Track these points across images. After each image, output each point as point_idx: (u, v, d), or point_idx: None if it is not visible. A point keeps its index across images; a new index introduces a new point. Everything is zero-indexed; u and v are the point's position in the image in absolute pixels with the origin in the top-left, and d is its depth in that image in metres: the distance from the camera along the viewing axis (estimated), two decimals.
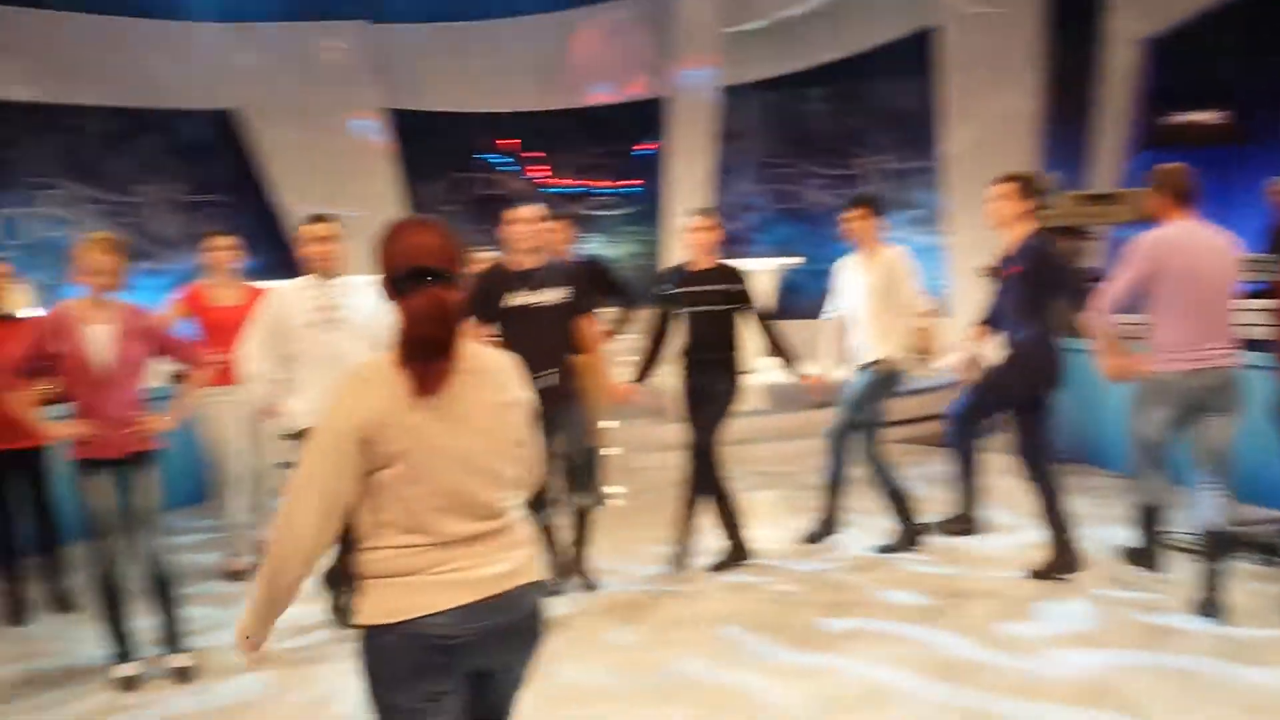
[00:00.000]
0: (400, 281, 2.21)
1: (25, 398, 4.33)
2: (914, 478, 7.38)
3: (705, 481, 5.48)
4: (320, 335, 4.70)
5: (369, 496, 2.20)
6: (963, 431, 5.27)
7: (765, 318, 5.55)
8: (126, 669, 4.39)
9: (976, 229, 5.41)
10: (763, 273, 8.34)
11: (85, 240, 4.32)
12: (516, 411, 2.35)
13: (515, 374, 2.37)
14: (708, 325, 5.43)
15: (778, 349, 5.54)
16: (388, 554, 2.20)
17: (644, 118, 13.92)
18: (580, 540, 5.37)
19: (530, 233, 5.06)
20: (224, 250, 5.82)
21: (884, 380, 5.57)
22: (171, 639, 4.49)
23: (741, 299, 5.47)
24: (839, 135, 13.66)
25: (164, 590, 4.46)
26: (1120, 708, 3.77)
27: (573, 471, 5.31)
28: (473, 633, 2.19)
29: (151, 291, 11.18)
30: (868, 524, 6.19)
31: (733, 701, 3.99)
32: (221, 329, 5.53)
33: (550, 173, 14.42)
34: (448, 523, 2.20)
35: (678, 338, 5.53)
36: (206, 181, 12.67)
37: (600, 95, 14.08)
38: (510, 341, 5.03)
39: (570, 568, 5.37)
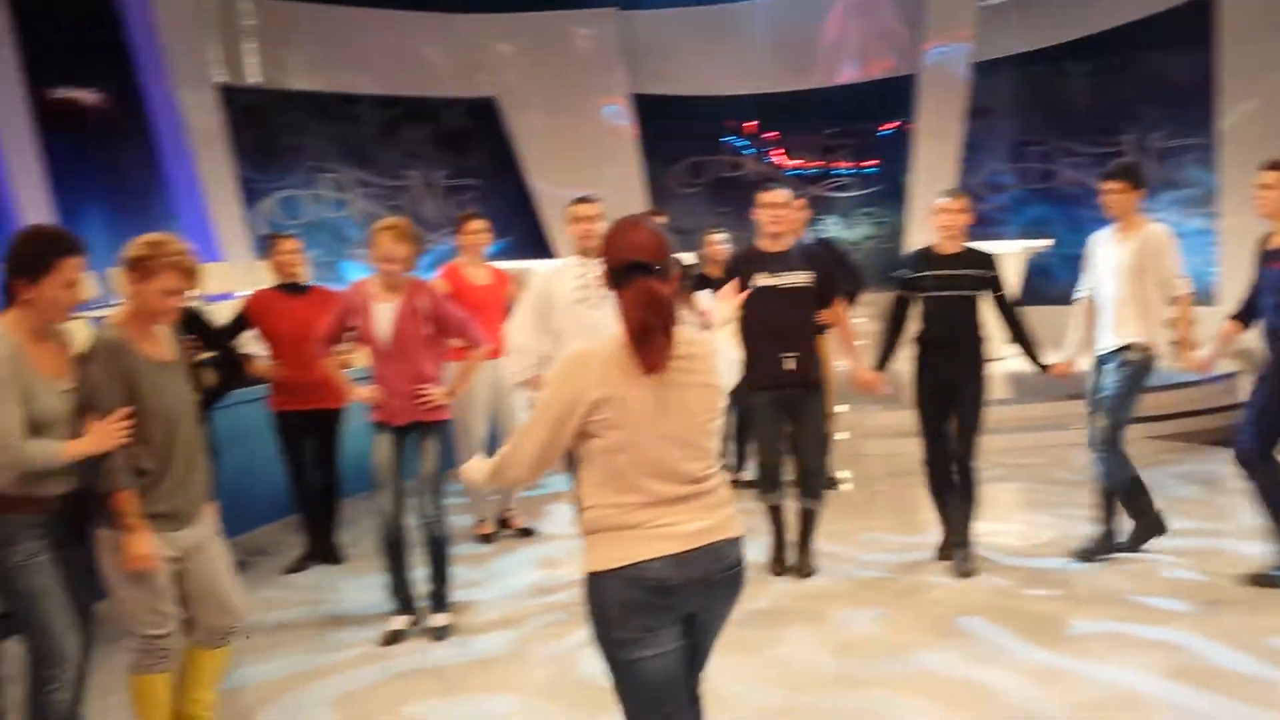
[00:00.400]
0: (619, 274, 2.47)
1: (333, 362, 4.76)
2: (1170, 477, 7.00)
3: (970, 485, 5.31)
4: (583, 312, 4.82)
5: (586, 461, 2.49)
6: (1262, 455, 4.85)
7: (1010, 304, 5.31)
8: (397, 622, 4.72)
9: (1253, 212, 4.95)
10: (1009, 256, 7.98)
11: (379, 226, 4.60)
12: (717, 394, 2.57)
13: (717, 359, 2.59)
14: (953, 311, 5.20)
15: (1020, 337, 5.29)
16: (607, 511, 2.47)
17: (889, 96, 13.61)
18: (804, 531, 5.36)
19: (777, 216, 5.08)
20: (478, 233, 6.08)
21: (1137, 370, 5.15)
22: (437, 597, 4.78)
23: (991, 285, 5.24)
24: (1102, 110, 12.88)
25: (437, 552, 4.74)
26: None
27: (803, 470, 5.30)
28: (683, 578, 2.44)
29: (416, 273, 11.96)
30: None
31: (977, 698, 3.89)
32: (474, 308, 5.83)
33: (789, 154, 14.35)
34: (656, 486, 2.45)
35: (918, 323, 5.33)
36: (465, 166, 13.40)
37: (845, 74, 13.86)
38: (753, 323, 5.08)
39: (790, 553, 5.38)
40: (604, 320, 4.80)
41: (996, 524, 6.17)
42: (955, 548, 5.35)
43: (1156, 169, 12.42)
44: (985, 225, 13.50)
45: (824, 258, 5.34)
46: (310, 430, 5.74)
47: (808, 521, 5.37)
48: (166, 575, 3.25)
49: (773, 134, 14.30)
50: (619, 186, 12.12)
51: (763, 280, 5.06)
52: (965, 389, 5.20)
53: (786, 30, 13.76)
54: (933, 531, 5.59)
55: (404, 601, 4.78)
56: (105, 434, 3.07)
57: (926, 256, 5.33)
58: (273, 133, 12.51)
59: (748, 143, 14.37)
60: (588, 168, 12.51)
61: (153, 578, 3.19)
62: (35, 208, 9.57)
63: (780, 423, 5.24)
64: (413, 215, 12.92)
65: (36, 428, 2.99)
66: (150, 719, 3.34)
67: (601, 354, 2.45)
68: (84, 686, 3.22)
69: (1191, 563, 5.26)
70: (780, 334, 5.03)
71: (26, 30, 9.89)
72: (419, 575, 4.84)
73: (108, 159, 11.43)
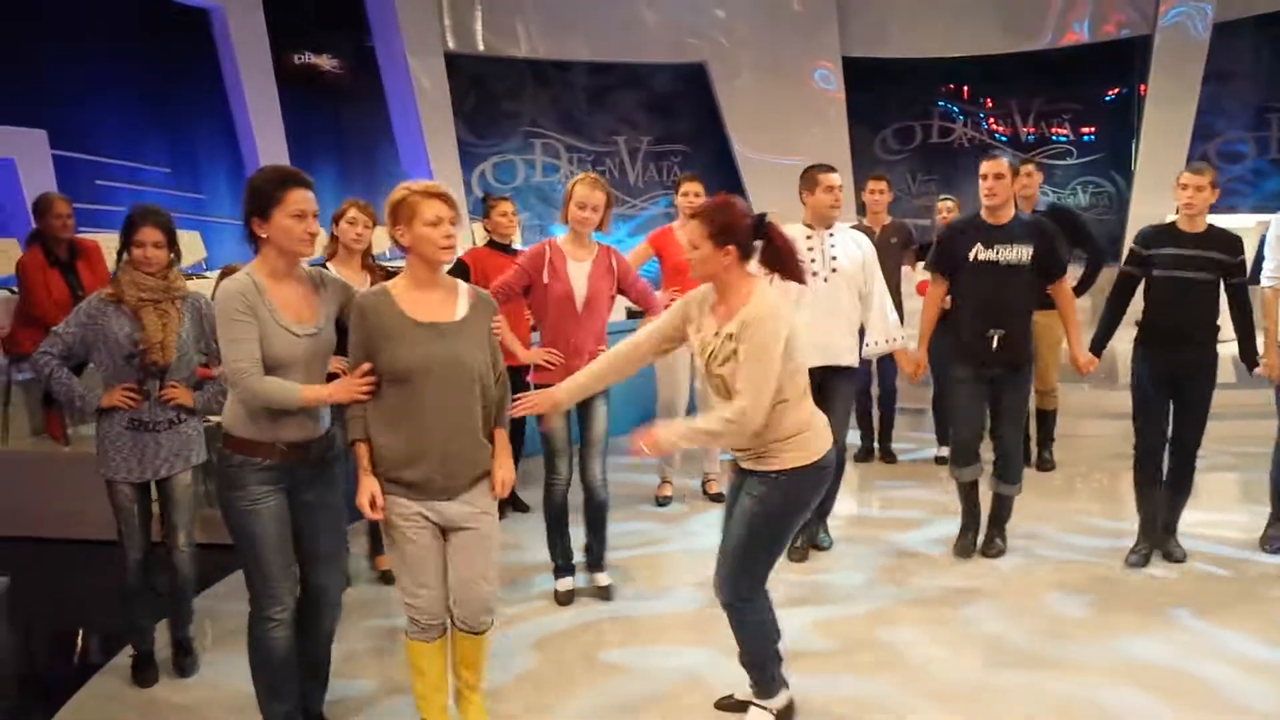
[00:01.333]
0: (755, 230, 3.22)
1: (506, 320, 4.71)
2: None
3: (1186, 479, 5.08)
4: (816, 282, 4.79)
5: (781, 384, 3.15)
6: None
7: (1245, 295, 4.93)
8: (565, 583, 4.80)
9: None
10: (1243, 231, 7.45)
11: (576, 178, 4.68)
12: None
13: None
14: (1189, 295, 4.82)
15: (1243, 330, 4.94)
16: (804, 417, 3.26)
17: (1116, 59, 12.87)
18: (996, 514, 5.25)
19: (991, 188, 4.86)
20: (694, 196, 6.03)
21: None
22: (599, 559, 4.83)
23: (1236, 272, 4.85)
24: None
25: (602, 514, 4.77)
26: None
27: (999, 453, 5.12)
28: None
29: (620, 237, 12.22)
30: None
31: (1196, 692, 3.76)
32: (680, 271, 5.89)
33: (1006, 119, 13.80)
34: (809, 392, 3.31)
35: (1147, 305, 4.98)
36: (672, 132, 13.53)
37: (1071, 36, 13.16)
38: (965, 297, 4.99)
39: (980, 534, 5.28)
40: (837, 290, 4.81)
41: (1215, 514, 5.88)
42: (1164, 536, 5.12)
43: None
44: (1219, 197, 12.66)
45: (1051, 231, 5.09)
46: None
47: (1000, 505, 5.24)
48: (424, 544, 3.15)
49: (994, 99, 13.78)
50: (823, 153, 11.80)
51: (978, 254, 4.92)
52: (1194, 382, 4.88)
53: None
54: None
55: (568, 561, 4.83)
56: (347, 386, 3.06)
57: (1165, 233, 4.94)
58: (491, 98, 12.99)
59: (962, 107, 13.91)
60: (793, 133, 12.39)
61: (404, 542, 3.13)
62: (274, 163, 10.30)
63: (982, 400, 5.10)
64: (618, 180, 13.18)
65: (271, 369, 3.02)
66: (413, 684, 3.33)
67: (774, 292, 3.25)
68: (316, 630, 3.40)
69: None
70: (991, 310, 4.87)
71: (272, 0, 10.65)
72: (579, 536, 4.86)
73: (341, 120, 12.21)
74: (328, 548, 3.34)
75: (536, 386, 4.68)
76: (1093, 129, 13.48)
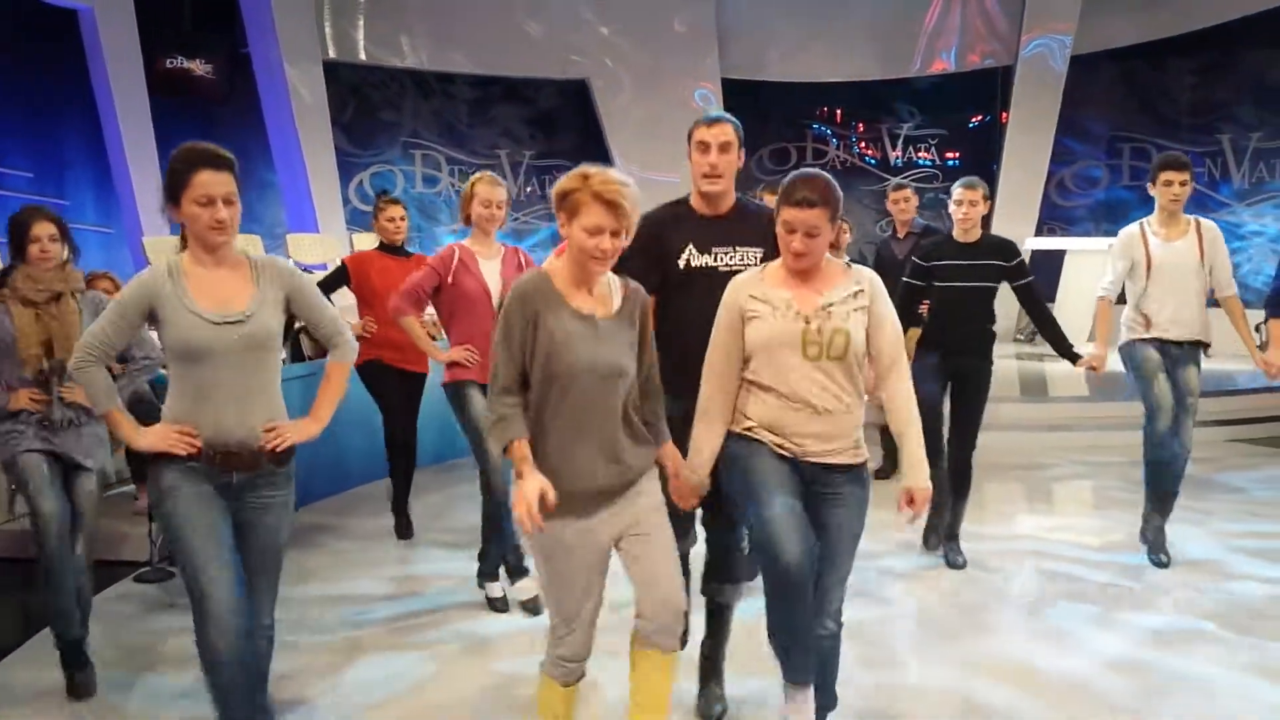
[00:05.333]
0: None
1: (417, 324, 4.73)
2: (1252, 481, 6.94)
3: (965, 484, 5.23)
4: None
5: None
6: None
7: (1037, 294, 5.19)
8: (493, 589, 4.70)
9: None
10: (1096, 252, 7.92)
11: (474, 178, 4.67)
12: None
13: None
14: (970, 305, 5.06)
15: (1048, 328, 5.19)
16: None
17: (981, 88, 13.49)
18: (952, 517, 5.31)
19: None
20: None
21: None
22: (516, 569, 4.69)
23: (1017, 274, 5.10)
24: (1200, 109, 12.66)
25: (502, 511, 4.59)
26: None
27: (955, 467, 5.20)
28: None
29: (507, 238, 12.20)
30: (1203, 523, 5.88)
31: (1055, 688, 3.96)
32: None
33: (877, 143, 14.30)
34: None
35: (933, 314, 5.15)
36: (554, 147, 13.60)
37: (939, 64, 13.75)
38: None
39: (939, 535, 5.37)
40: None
41: (1070, 519, 6.20)
42: (948, 542, 5.28)
43: (1250, 171, 12.18)
44: (1072, 222, 13.37)
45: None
46: (398, 387, 5.72)
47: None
48: (570, 560, 2.79)
49: (859, 124, 14.27)
50: None
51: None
52: (972, 388, 5.11)
53: (882, 19, 13.67)
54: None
55: (487, 566, 4.74)
56: (164, 436, 2.84)
57: (944, 246, 5.17)
58: (371, 108, 12.87)
59: (834, 130, 14.35)
60: (675, 151, 12.44)
61: (553, 559, 2.80)
62: (144, 172, 10.01)
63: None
64: None
65: (188, 356, 2.85)
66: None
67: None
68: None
69: (1276, 565, 5.23)
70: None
71: (144, 2, 10.33)
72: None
73: (215, 127, 11.90)
74: (258, 569, 3.04)
75: (451, 385, 4.65)
76: (958, 154, 14.08)
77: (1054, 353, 5.19)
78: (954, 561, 5.24)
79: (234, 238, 2.95)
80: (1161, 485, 5.24)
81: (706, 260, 3.36)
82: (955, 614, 4.68)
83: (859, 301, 2.93)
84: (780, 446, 2.95)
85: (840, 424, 2.94)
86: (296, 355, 6.92)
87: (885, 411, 3.03)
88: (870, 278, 3.01)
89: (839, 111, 14.35)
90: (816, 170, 2.97)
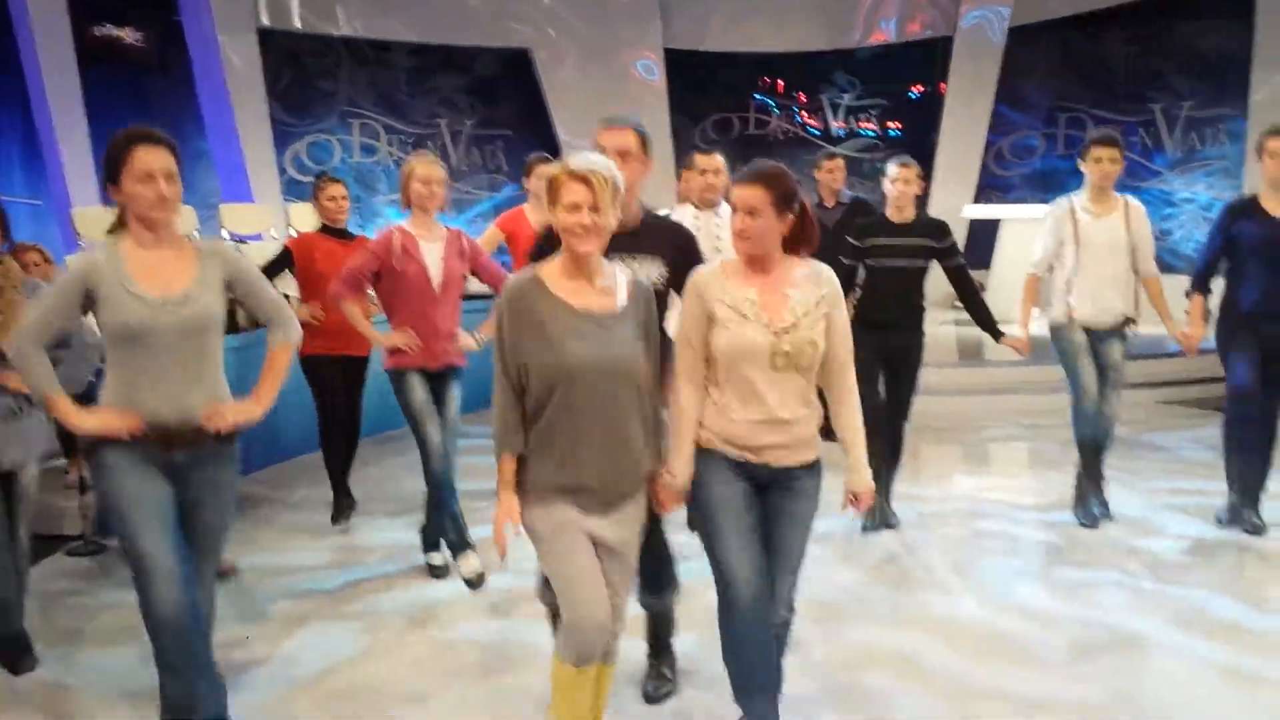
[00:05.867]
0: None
1: (358, 308, 4.66)
2: (1185, 441, 7.14)
3: (898, 448, 5.36)
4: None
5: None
6: None
7: (966, 273, 5.25)
8: (437, 557, 4.72)
9: None
10: (1031, 221, 8.00)
11: (412, 158, 4.65)
12: None
13: None
14: (902, 282, 5.14)
15: (976, 307, 5.29)
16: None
17: (922, 59, 13.58)
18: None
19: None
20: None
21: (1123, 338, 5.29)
22: (459, 544, 4.68)
23: (949, 255, 5.19)
24: (1135, 78, 12.87)
25: (453, 494, 4.65)
26: None
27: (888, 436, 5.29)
28: None
29: (446, 221, 12.09)
30: (1133, 483, 6.04)
31: (987, 639, 4.05)
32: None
33: (819, 114, 14.36)
34: None
35: (866, 291, 5.18)
36: (495, 117, 13.47)
37: (879, 35, 13.81)
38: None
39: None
40: None
41: (1008, 479, 6.33)
42: (881, 503, 5.35)
43: (1183, 140, 12.43)
44: (1010, 190, 13.56)
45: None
46: (340, 375, 5.58)
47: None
48: (576, 543, 2.78)
49: (801, 94, 14.31)
50: None
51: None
52: (905, 360, 5.21)
53: None
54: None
55: (432, 538, 4.74)
56: (105, 420, 2.84)
57: (877, 225, 5.22)
58: (306, 77, 12.64)
59: (778, 101, 14.38)
60: None
61: (551, 538, 2.78)
62: (73, 142, 9.77)
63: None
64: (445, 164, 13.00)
65: (128, 338, 2.83)
66: (558, 711, 2.88)
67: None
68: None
69: (1199, 522, 5.39)
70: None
71: None
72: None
73: (146, 96, 11.63)
74: (202, 549, 3.05)
75: (393, 371, 4.60)
76: (899, 124, 14.18)
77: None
78: (888, 522, 5.34)
79: (176, 217, 2.94)
80: (1090, 455, 5.39)
81: None
82: (889, 573, 4.78)
83: (821, 310, 2.91)
84: (737, 455, 2.93)
85: (799, 432, 2.94)
86: (231, 326, 6.78)
87: (832, 413, 3.04)
88: (831, 280, 2.96)
89: (781, 82, 14.35)
90: (771, 161, 2.96)
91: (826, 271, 2.98)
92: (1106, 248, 5.15)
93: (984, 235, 11.69)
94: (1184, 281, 5.36)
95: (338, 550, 5.17)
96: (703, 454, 2.96)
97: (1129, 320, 5.24)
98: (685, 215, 4.90)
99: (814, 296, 2.91)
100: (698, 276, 2.96)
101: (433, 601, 4.44)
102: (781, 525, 2.99)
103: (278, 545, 5.22)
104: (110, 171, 2.86)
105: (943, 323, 5.46)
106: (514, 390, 2.77)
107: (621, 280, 2.86)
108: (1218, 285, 5.22)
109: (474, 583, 4.57)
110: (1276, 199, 4.92)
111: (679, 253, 3.25)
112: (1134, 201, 5.28)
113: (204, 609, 3.06)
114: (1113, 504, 5.51)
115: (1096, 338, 5.23)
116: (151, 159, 2.82)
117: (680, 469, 2.95)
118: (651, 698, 3.50)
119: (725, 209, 4.89)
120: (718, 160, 4.93)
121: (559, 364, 2.70)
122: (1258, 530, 5.10)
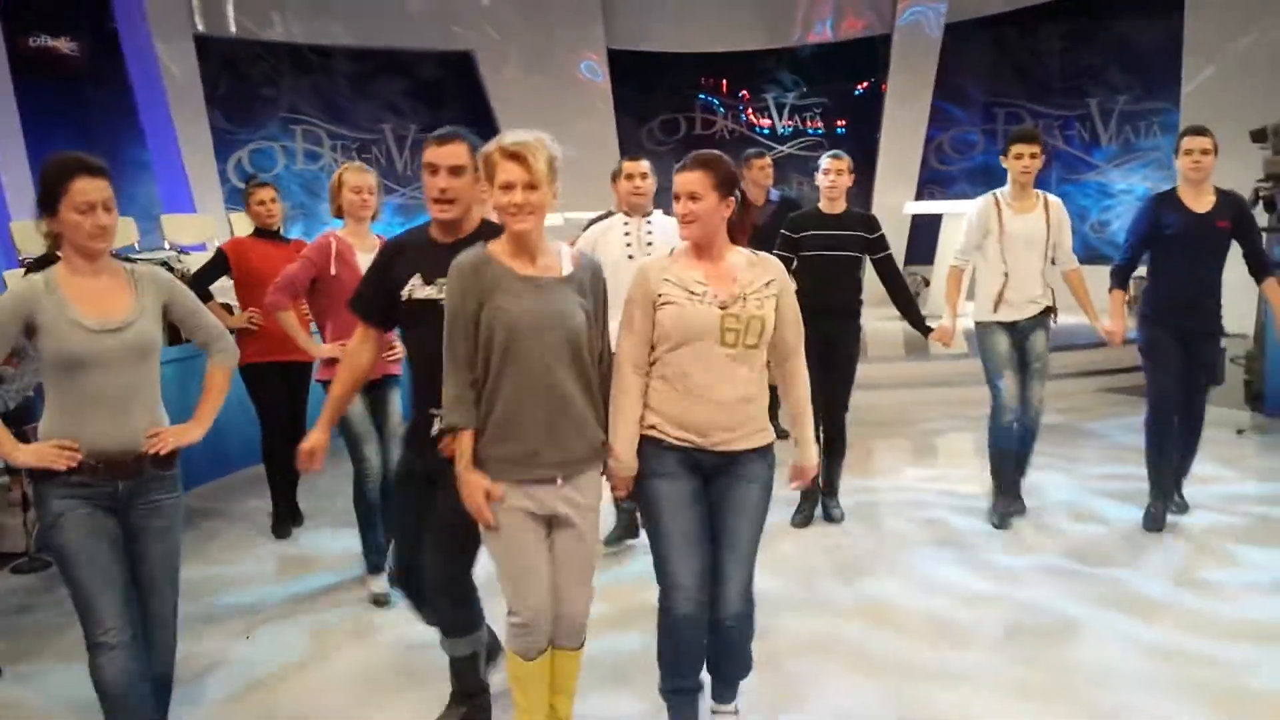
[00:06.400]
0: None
1: (294, 317, 4.63)
2: (1117, 427, 7.31)
3: (839, 442, 5.43)
4: (632, 267, 4.82)
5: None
6: None
7: (894, 267, 5.40)
8: (379, 583, 4.52)
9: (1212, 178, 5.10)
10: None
11: (341, 168, 4.62)
12: None
13: None
14: (836, 272, 5.23)
15: (903, 300, 5.41)
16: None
17: (863, 56, 13.74)
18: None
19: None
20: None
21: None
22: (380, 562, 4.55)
23: (878, 247, 5.31)
24: (1070, 73, 13.13)
25: (373, 515, 4.57)
26: None
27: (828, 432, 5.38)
28: None
29: (393, 227, 12.03)
30: (1070, 469, 6.17)
31: (916, 620, 4.16)
32: None
33: (764, 113, 14.48)
34: None
35: (801, 282, 5.21)
36: (439, 120, 13.38)
37: (820, 34, 13.96)
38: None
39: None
40: None
41: (950, 469, 6.45)
42: (827, 497, 5.48)
43: (1119, 133, 12.70)
44: (951, 184, 13.77)
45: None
46: (282, 382, 5.52)
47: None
48: (523, 536, 2.84)
49: (745, 93, 14.42)
50: (592, 143, 12.17)
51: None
52: (840, 351, 5.29)
53: None
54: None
55: (376, 559, 4.61)
56: (39, 452, 2.79)
57: (811, 217, 5.34)
58: (247, 84, 12.53)
59: (722, 101, 14.48)
60: (563, 124, 12.42)
61: (497, 532, 2.83)
62: (9, 155, 9.61)
63: None
64: (385, 168, 12.97)
65: (72, 367, 2.80)
66: (516, 701, 2.96)
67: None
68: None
69: (1131, 506, 5.53)
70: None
71: None
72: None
73: (83, 107, 11.46)
74: (159, 573, 3.01)
75: (328, 382, 4.38)
76: (844, 122, 14.34)
77: (933, 314, 5.37)
78: (831, 515, 5.44)
79: (112, 245, 2.93)
80: (1003, 464, 5.38)
81: (431, 292, 3.07)
82: (831, 564, 4.87)
83: (770, 290, 2.97)
84: (684, 440, 2.94)
85: (748, 412, 2.96)
86: (174, 338, 6.73)
87: (781, 393, 3.11)
88: (778, 268, 3.05)
89: (725, 82, 14.46)
90: (714, 150, 3.05)
91: (774, 260, 3.07)
92: (1027, 241, 5.26)
93: (927, 231, 11.86)
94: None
95: (285, 561, 5.16)
96: (648, 444, 2.97)
97: (1049, 309, 5.33)
98: (615, 222, 4.92)
99: (762, 278, 2.98)
100: (645, 263, 3.05)
101: (380, 609, 4.45)
102: (730, 515, 3.00)
103: (224, 557, 5.20)
104: (47, 201, 2.82)
105: (887, 318, 5.54)
106: (464, 366, 2.80)
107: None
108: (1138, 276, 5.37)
109: (380, 600, 4.48)
110: (1194, 194, 5.07)
111: None
112: (1053, 198, 5.40)
113: (165, 637, 3.04)
114: (1048, 489, 5.65)
115: (1020, 331, 5.32)
116: (91, 189, 2.79)
117: (622, 451, 2.95)
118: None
119: (657, 215, 4.92)
120: (643, 165, 4.96)
121: (501, 321, 2.75)
122: (1182, 509, 5.32)
